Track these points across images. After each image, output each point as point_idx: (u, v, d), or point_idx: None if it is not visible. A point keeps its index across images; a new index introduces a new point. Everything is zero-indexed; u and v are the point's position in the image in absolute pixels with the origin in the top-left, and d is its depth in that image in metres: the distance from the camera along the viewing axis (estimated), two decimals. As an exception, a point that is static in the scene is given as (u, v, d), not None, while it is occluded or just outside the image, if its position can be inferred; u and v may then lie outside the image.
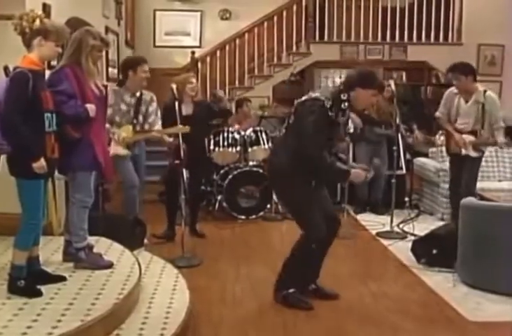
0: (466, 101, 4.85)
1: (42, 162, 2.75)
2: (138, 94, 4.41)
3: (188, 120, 4.36)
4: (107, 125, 3.95)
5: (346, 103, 3.23)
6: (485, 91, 4.80)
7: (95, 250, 3.38)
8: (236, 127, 6.00)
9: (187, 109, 4.68)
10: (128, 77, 4.35)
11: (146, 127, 4.45)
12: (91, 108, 3.11)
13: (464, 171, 4.92)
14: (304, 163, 3.18)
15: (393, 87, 5.18)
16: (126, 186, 4.35)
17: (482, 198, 4.61)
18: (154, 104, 4.51)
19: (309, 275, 3.45)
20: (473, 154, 4.85)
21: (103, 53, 3.53)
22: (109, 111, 4.07)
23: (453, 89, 4.95)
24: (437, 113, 5.09)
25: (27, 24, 2.79)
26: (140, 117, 4.40)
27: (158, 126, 4.46)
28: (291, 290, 3.35)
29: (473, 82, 4.78)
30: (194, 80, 4.78)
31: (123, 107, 4.33)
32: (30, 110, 2.73)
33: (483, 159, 5.15)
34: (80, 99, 3.09)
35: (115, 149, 4.18)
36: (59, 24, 3.08)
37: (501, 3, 7.82)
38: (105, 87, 3.42)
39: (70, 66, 3.14)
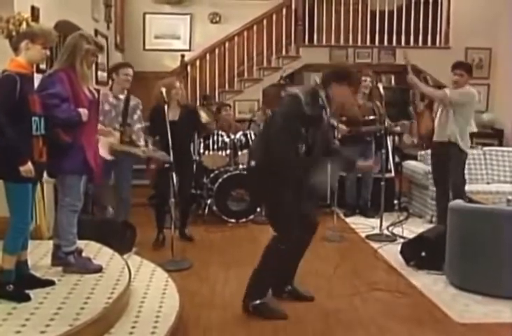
0: None
1: (29, 165, 2.73)
2: (122, 96, 4.52)
3: (174, 125, 4.39)
4: (101, 126, 4.05)
5: (324, 99, 3.22)
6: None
7: (84, 254, 3.36)
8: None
9: (173, 114, 4.66)
10: (113, 80, 4.57)
11: (133, 137, 4.48)
12: (84, 112, 3.10)
13: (451, 172, 4.97)
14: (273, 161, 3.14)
15: (381, 90, 5.24)
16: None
17: (470, 200, 4.65)
18: (139, 112, 4.60)
19: (281, 278, 3.43)
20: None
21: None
22: None
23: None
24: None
25: (14, 27, 2.79)
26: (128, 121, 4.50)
27: (142, 141, 4.52)
28: (258, 302, 3.26)
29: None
30: (177, 85, 4.78)
31: (106, 107, 4.41)
32: (17, 113, 2.72)
33: (471, 161, 5.21)
34: (73, 103, 3.09)
35: (101, 152, 4.17)
36: (47, 27, 3.08)
37: (488, 7, 7.89)
38: (98, 91, 3.42)
39: (65, 70, 3.14)
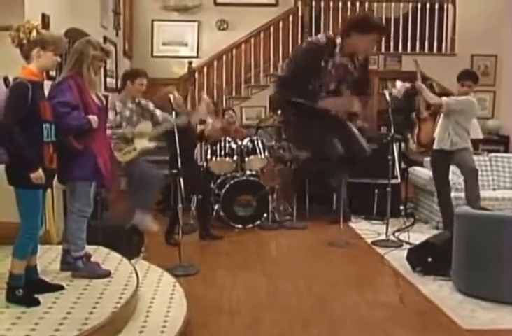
0: None
1: (39, 172, 2.76)
2: (137, 100, 4.56)
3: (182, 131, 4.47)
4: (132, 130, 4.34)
5: (337, 48, 3.26)
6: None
7: (93, 259, 3.39)
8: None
9: (182, 120, 4.74)
10: (126, 86, 4.52)
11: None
12: (94, 119, 3.14)
13: (464, 175, 5.08)
14: None
15: (388, 97, 5.27)
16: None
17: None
18: (158, 111, 4.67)
19: None
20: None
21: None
22: (118, 118, 4.34)
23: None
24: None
25: (24, 35, 2.81)
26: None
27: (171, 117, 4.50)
28: None
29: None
30: (176, 94, 4.82)
31: (127, 113, 4.45)
32: (28, 120, 2.76)
33: (477, 168, 5.22)
34: (82, 110, 3.12)
35: (142, 143, 4.34)
36: (57, 34, 3.12)
37: (494, 14, 7.91)
38: (106, 97, 3.46)
39: (73, 78, 3.17)
